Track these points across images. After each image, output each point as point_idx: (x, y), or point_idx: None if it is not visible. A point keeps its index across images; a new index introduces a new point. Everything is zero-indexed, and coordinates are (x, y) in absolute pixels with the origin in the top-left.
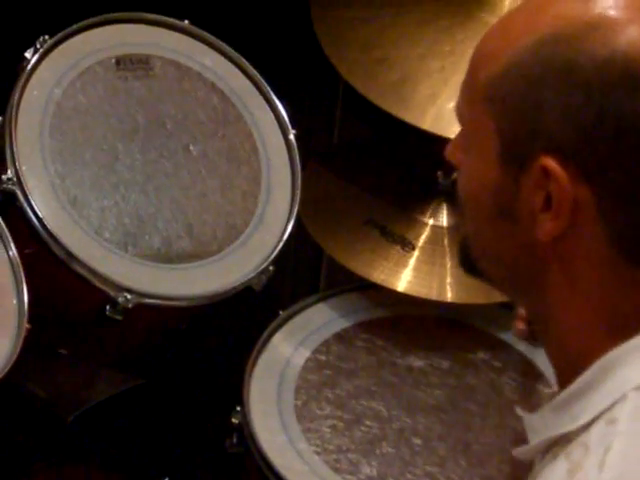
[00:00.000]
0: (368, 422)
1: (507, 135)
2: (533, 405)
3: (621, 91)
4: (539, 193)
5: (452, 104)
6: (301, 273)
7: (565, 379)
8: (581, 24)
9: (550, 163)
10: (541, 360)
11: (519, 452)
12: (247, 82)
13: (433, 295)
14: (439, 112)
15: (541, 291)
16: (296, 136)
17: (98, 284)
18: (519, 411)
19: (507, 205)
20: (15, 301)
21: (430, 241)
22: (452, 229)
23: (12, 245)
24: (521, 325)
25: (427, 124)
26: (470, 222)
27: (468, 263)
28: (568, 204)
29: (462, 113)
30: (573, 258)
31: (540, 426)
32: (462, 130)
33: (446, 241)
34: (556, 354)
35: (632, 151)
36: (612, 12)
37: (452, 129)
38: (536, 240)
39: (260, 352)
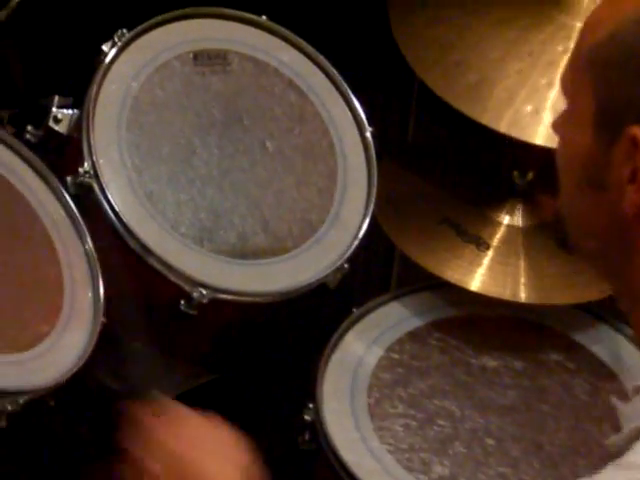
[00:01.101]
0: (441, 421)
1: (603, 102)
2: (605, 407)
3: None
4: (627, 164)
5: (529, 107)
6: (373, 271)
7: None
8: None
9: (636, 130)
10: (614, 362)
11: (612, 441)
12: (325, 79)
13: (507, 295)
14: (516, 115)
15: (630, 264)
16: (372, 134)
17: (173, 279)
18: (614, 401)
19: (597, 174)
20: (91, 295)
21: (505, 241)
22: (527, 229)
23: (88, 239)
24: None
25: (504, 127)
26: (563, 192)
27: (561, 237)
28: None
29: (566, 83)
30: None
31: (634, 414)
32: (567, 104)
33: (521, 241)
34: None
35: None
36: None
37: (529, 132)
38: (623, 211)
39: (333, 350)
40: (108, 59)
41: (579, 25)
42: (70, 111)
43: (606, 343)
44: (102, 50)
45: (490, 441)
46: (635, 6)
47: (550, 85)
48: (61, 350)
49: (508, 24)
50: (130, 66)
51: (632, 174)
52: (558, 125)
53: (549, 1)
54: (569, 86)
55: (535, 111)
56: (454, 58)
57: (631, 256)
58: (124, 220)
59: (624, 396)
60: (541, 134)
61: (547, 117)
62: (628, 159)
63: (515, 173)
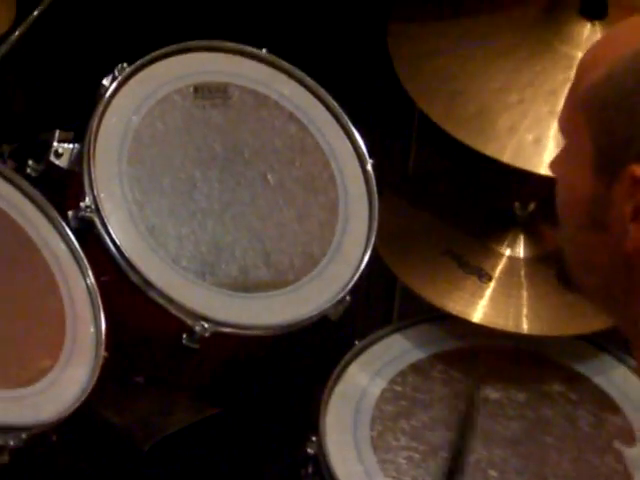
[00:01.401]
0: (444, 454)
1: (601, 143)
2: (609, 439)
3: None
4: (629, 202)
5: (531, 136)
6: (374, 303)
7: None
8: None
9: (635, 170)
10: (617, 393)
11: None
12: (325, 112)
13: (509, 327)
14: (519, 145)
15: (632, 300)
16: (373, 166)
17: (175, 312)
18: (618, 445)
19: (600, 215)
20: (93, 329)
21: (507, 272)
22: (529, 260)
23: (90, 273)
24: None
25: (507, 157)
26: (563, 231)
27: (564, 276)
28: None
29: (563, 124)
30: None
31: None
32: (564, 143)
33: (523, 272)
34: None
35: None
36: None
37: (532, 162)
38: (626, 249)
39: (336, 382)
40: (109, 93)
41: (580, 54)
42: (71, 145)
43: (609, 374)
44: (102, 84)
45: (493, 473)
46: (630, 45)
47: (552, 114)
48: (63, 385)
49: (508, 54)
50: (130, 100)
51: (634, 212)
52: (556, 165)
53: (549, 31)
54: (566, 126)
55: (537, 140)
56: (455, 88)
57: (633, 292)
58: (125, 254)
59: (628, 432)
60: (544, 163)
61: (549, 146)
62: (630, 197)
63: (516, 204)
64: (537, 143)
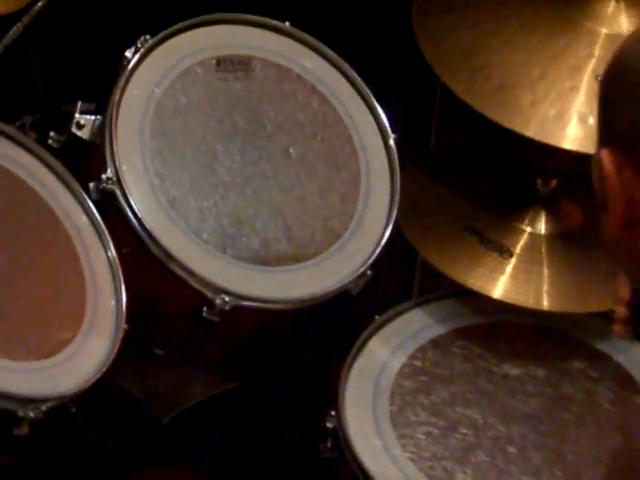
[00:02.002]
0: (463, 430)
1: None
2: (629, 416)
3: None
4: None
5: (554, 111)
6: (395, 278)
7: None
8: None
9: (603, 155)
10: (637, 370)
11: None
12: (348, 85)
13: (530, 303)
14: (542, 119)
15: None
16: (395, 141)
17: (196, 285)
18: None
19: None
20: (113, 302)
21: (528, 248)
22: (550, 237)
23: (111, 245)
24: (620, 325)
25: (531, 131)
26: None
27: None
28: (617, 195)
29: None
30: (635, 251)
31: None
32: None
33: (544, 249)
34: None
35: None
36: None
37: (555, 136)
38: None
39: (356, 357)
40: (131, 65)
41: (604, 31)
42: (93, 117)
43: (629, 352)
44: (125, 56)
45: (512, 449)
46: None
47: (574, 89)
48: (83, 357)
49: (532, 29)
50: (153, 72)
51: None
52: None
53: (573, 7)
54: None
55: (559, 115)
56: (477, 63)
57: None
58: (147, 226)
59: None
60: (566, 138)
61: (572, 121)
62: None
63: (538, 180)
64: (559, 118)
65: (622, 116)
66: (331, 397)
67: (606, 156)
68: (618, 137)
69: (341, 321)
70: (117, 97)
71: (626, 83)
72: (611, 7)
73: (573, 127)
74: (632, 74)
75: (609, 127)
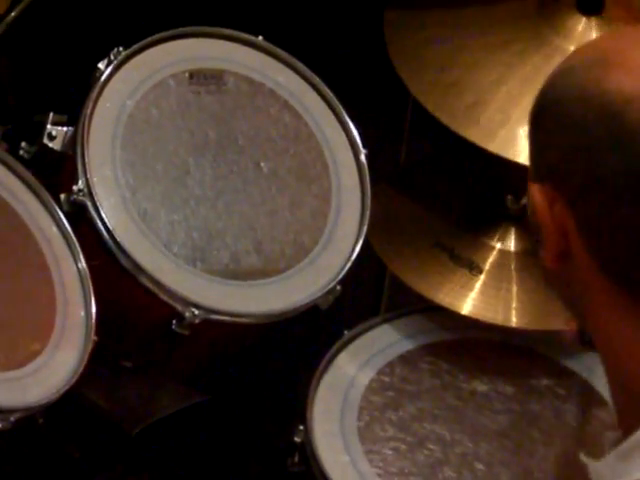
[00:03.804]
0: (431, 445)
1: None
2: (595, 434)
3: (598, 129)
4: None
5: (523, 129)
6: (364, 293)
7: (626, 418)
8: (588, 59)
9: (534, 190)
10: (605, 388)
11: None
12: (320, 100)
13: (498, 320)
14: (509, 135)
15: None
16: (366, 156)
17: (165, 298)
18: (583, 458)
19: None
20: (83, 313)
21: (497, 265)
22: (520, 254)
23: (81, 257)
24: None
25: (495, 146)
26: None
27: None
28: (549, 229)
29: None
30: (573, 283)
31: (607, 473)
32: None
33: (513, 266)
34: (614, 391)
35: (601, 184)
36: (620, 53)
37: (522, 154)
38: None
39: (324, 372)
40: (104, 77)
41: (572, 48)
42: (65, 128)
43: (597, 369)
44: (98, 68)
45: (480, 466)
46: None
47: None
48: (53, 368)
49: (504, 46)
50: (126, 84)
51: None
52: None
53: (545, 25)
54: None
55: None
56: (450, 79)
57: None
58: (117, 238)
59: (614, 427)
60: None
61: None
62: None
63: (509, 197)
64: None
65: (551, 151)
66: (299, 411)
67: (537, 190)
68: (548, 171)
69: (310, 336)
70: (89, 109)
71: (554, 117)
72: (582, 25)
73: None
74: (559, 107)
75: (539, 161)
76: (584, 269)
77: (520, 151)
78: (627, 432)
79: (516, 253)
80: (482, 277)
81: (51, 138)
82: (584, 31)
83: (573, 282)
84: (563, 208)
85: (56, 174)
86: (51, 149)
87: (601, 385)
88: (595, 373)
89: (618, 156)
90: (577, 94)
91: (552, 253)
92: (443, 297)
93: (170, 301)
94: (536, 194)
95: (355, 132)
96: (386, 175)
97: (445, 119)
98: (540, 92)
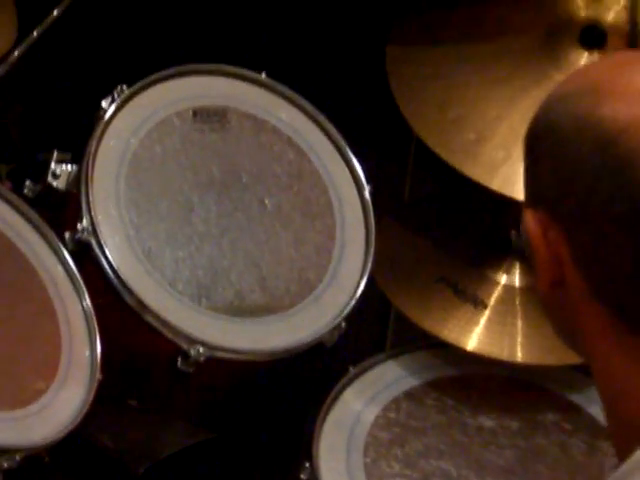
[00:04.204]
0: None
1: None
2: (601, 468)
3: (593, 158)
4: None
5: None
6: (368, 329)
7: (621, 444)
8: (581, 87)
9: (528, 217)
10: None
11: None
12: (323, 137)
13: (504, 355)
14: (510, 173)
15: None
16: (370, 192)
17: (170, 336)
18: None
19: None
20: (88, 352)
21: (502, 300)
22: (524, 289)
23: (86, 295)
24: None
25: (497, 184)
26: None
27: None
28: (543, 256)
29: None
30: (567, 309)
31: None
32: None
33: (518, 301)
34: (608, 417)
35: (595, 212)
36: (611, 81)
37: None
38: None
39: (330, 408)
40: (107, 115)
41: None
42: (69, 167)
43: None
44: (101, 106)
45: None
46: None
47: None
48: (57, 407)
49: (506, 82)
50: (129, 122)
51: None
52: None
53: (547, 59)
54: None
55: None
56: (452, 115)
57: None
58: (122, 277)
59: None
60: None
61: None
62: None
63: (513, 232)
64: None
65: (544, 177)
66: (305, 448)
67: (531, 217)
68: (542, 198)
69: (315, 372)
70: (93, 147)
71: (548, 145)
72: (584, 59)
73: None
74: (553, 135)
75: (533, 187)
76: (578, 296)
77: (522, 189)
78: (622, 458)
79: (521, 288)
80: (487, 312)
81: (55, 176)
82: (586, 65)
83: (567, 308)
84: (557, 234)
85: (60, 212)
86: (55, 187)
87: None
88: (601, 407)
89: (613, 184)
90: (570, 122)
91: (546, 279)
92: (448, 333)
93: (175, 339)
94: (530, 220)
95: (359, 168)
96: (390, 211)
97: (446, 156)
98: (533, 119)
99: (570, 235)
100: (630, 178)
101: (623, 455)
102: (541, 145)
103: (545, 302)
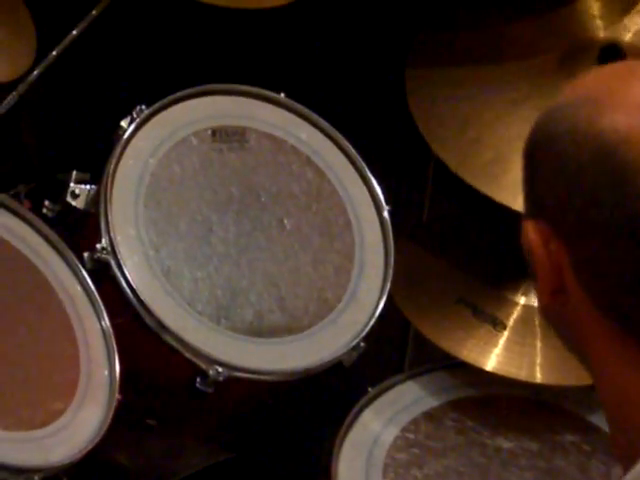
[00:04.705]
0: None
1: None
2: None
3: (593, 169)
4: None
5: None
6: (387, 349)
7: (623, 454)
8: (579, 98)
9: (529, 228)
10: None
11: None
12: (342, 157)
13: (522, 376)
14: None
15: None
16: (389, 212)
17: (189, 356)
18: None
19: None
20: (107, 372)
21: (521, 321)
22: None
23: (105, 315)
24: None
25: (519, 205)
26: None
27: None
28: (544, 266)
29: None
30: (569, 320)
31: None
32: None
33: (537, 321)
34: (611, 427)
35: (596, 223)
36: (610, 92)
37: None
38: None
39: (348, 429)
40: (126, 135)
41: None
42: (88, 186)
43: None
44: (120, 126)
45: None
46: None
47: None
48: (76, 428)
49: (525, 103)
50: (148, 142)
51: None
52: None
53: (565, 79)
54: None
55: None
56: (470, 136)
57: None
58: (141, 297)
59: None
60: None
61: None
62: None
63: None
64: None
65: (544, 189)
66: (324, 469)
67: (531, 228)
68: (543, 209)
69: (334, 393)
70: (112, 167)
71: (547, 156)
72: None
73: None
74: (552, 146)
75: (533, 198)
76: (579, 306)
77: None
78: (627, 467)
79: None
80: (506, 333)
81: (74, 196)
82: None
83: (569, 319)
84: (558, 245)
85: (79, 232)
86: (74, 207)
87: None
88: None
89: (613, 195)
90: (569, 133)
91: (547, 290)
92: (467, 353)
93: (194, 359)
94: (530, 231)
95: (378, 189)
96: (409, 231)
97: (467, 177)
98: (532, 130)
99: (571, 245)
100: (630, 189)
101: (627, 464)
102: (540, 156)
103: (546, 313)
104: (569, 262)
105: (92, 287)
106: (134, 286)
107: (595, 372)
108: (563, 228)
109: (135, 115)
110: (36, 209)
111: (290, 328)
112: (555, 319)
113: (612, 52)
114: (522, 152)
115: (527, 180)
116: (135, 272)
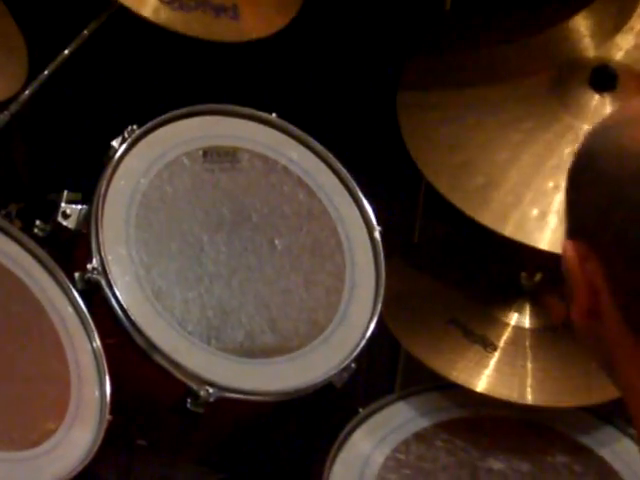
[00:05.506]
0: None
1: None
2: None
3: (633, 188)
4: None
5: (535, 210)
6: (378, 370)
7: None
8: (624, 118)
9: (567, 247)
10: (621, 465)
11: None
12: (333, 177)
13: (513, 397)
14: (521, 218)
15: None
16: (380, 233)
17: (180, 377)
18: None
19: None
20: (97, 392)
21: (512, 342)
22: (534, 331)
23: (96, 336)
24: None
25: (508, 230)
26: None
27: None
28: (580, 286)
29: None
30: (603, 339)
31: None
32: None
33: (528, 343)
34: None
35: (633, 243)
36: None
37: (534, 236)
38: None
39: (339, 449)
40: (118, 155)
41: (586, 127)
42: (79, 206)
43: (613, 446)
44: (112, 146)
45: None
46: None
47: (556, 188)
48: (67, 448)
49: (516, 125)
50: (139, 162)
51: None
52: None
53: (557, 102)
54: None
55: (541, 215)
56: (461, 159)
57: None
58: (132, 317)
59: None
60: (546, 238)
61: (553, 221)
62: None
63: (523, 274)
64: (540, 217)
65: (585, 208)
66: None
67: (570, 248)
68: (582, 228)
69: (324, 413)
70: (103, 187)
71: (589, 174)
72: (595, 101)
73: (553, 227)
74: (595, 164)
75: (573, 218)
76: (614, 326)
77: (531, 233)
78: None
79: (531, 330)
80: (497, 354)
81: (65, 216)
82: (597, 108)
83: (603, 338)
84: (595, 265)
85: (70, 252)
86: (65, 227)
87: (617, 462)
88: (611, 449)
89: None
90: (612, 153)
91: (582, 309)
92: (458, 374)
93: (185, 379)
94: (569, 250)
95: (369, 209)
96: (400, 252)
97: (457, 201)
98: (577, 150)
99: (607, 265)
100: None
101: None
102: (583, 176)
103: (580, 332)
104: (605, 282)
105: (83, 307)
106: (125, 306)
107: (626, 390)
108: (600, 247)
109: (127, 135)
110: (27, 229)
111: (281, 349)
112: (588, 337)
113: (604, 73)
114: (567, 173)
115: (569, 201)
116: (126, 292)
